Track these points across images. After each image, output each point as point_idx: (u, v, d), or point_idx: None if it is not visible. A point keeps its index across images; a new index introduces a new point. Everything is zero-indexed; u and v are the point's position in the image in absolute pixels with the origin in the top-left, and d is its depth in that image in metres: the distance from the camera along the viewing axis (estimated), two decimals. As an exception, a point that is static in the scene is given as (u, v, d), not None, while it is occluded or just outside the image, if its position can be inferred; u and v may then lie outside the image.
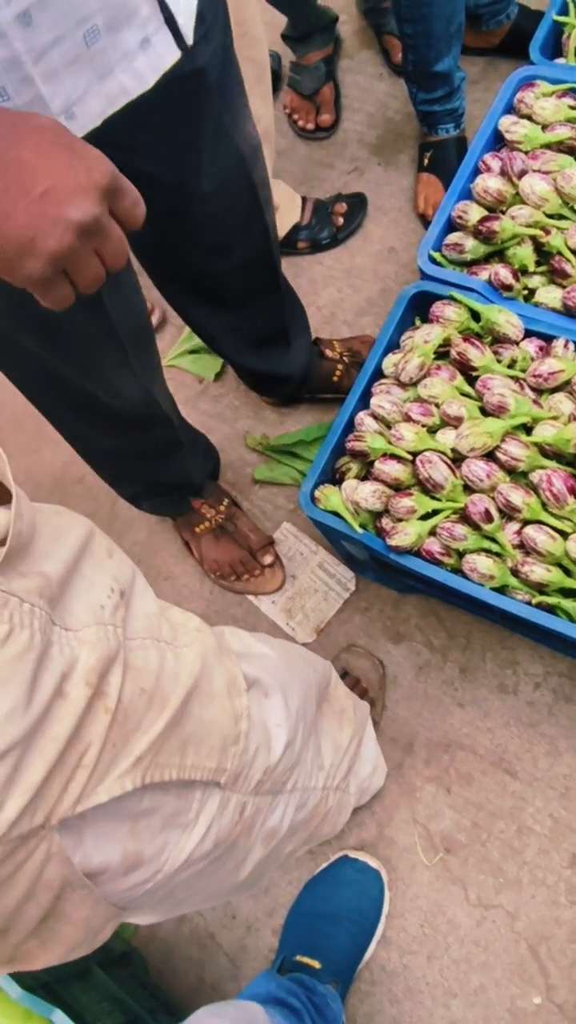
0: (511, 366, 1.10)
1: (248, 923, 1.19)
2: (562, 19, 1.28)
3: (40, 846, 0.49)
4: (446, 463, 1.03)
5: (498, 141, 1.24)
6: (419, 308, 1.19)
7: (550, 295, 1.13)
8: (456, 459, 1.04)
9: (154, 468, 1.24)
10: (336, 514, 1.11)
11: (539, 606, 1.00)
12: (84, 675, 0.50)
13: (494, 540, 1.01)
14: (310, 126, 1.78)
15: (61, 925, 0.54)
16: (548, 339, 1.10)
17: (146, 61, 0.69)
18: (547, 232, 1.12)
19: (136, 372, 0.97)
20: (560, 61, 1.30)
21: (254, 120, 0.97)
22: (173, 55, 0.72)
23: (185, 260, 1.05)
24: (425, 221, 1.58)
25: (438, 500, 1.04)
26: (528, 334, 1.12)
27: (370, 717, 1.16)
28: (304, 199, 1.66)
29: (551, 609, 1.00)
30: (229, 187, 0.95)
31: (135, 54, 0.67)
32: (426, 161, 1.59)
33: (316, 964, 1.07)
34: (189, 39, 0.72)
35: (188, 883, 0.64)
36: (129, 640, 0.56)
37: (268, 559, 1.39)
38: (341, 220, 1.65)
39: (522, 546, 1.01)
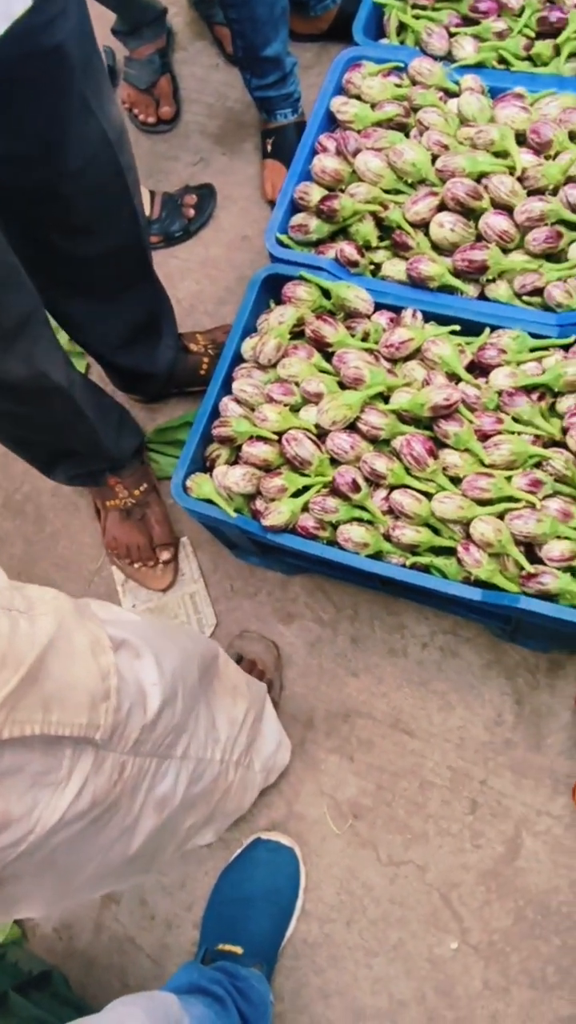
0: (364, 339, 1.13)
1: (167, 921, 1.18)
2: (381, 0, 1.32)
3: None
4: (311, 439, 1.05)
5: (332, 122, 1.27)
6: (272, 291, 1.20)
7: (395, 268, 1.16)
8: (320, 434, 1.07)
9: (59, 437, 1.22)
10: (210, 501, 1.11)
11: (413, 567, 1.03)
12: None
13: (364, 509, 1.04)
14: (151, 119, 1.76)
15: None
16: (397, 310, 1.14)
17: None
18: (386, 207, 1.15)
19: (13, 349, 0.95)
20: (384, 41, 1.34)
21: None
22: (23, 3, 0.72)
23: (54, 245, 1.05)
24: (274, 206, 1.59)
25: (307, 476, 1.06)
26: (378, 307, 1.15)
27: (268, 697, 1.17)
28: (152, 193, 1.65)
29: (425, 569, 1.03)
30: (96, 167, 0.97)
31: None
32: (269, 147, 1.61)
33: (238, 950, 1.08)
34: None
35: (69, 849, 0.64)
36: None
37: (165, 555, 1.39)
38: (192, 212, 1.65)
39: (391, 511, 1.04)
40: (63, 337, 1.55)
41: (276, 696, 1.25)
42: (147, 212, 1.63)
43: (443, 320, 1.11)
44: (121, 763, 0.68)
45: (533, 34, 1.24)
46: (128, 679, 0.69)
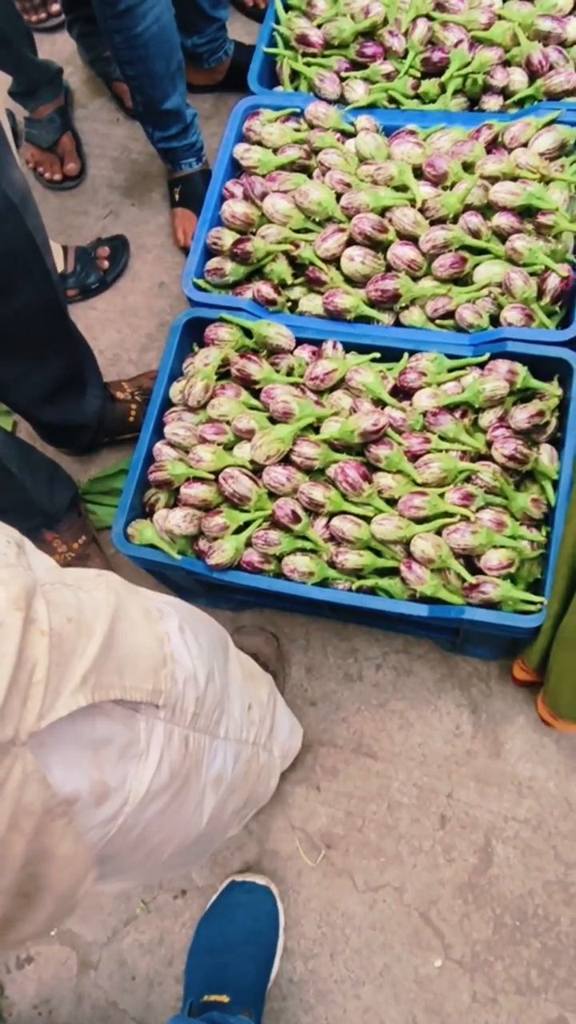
0: (289, 374, 1.15)
1: (149, 979, 1.15)
2: (271, 51, 1.38)
3: (16, 765, 0.51)
4: (247, 475, 1.06)
5: (236, 168, 1.31)
6: (194, 334, 1.22)
7: (312, 303, 1.20)
8: (256, 470, 1.08)
9: None
10: (153, 546, 1.11)
11: (359, 590, 1.05)
12: (12, 603, 0.52)
13: (306, 538, 1.06)
14: (57, 177, 1.78)
15: (46, 867, 0.55)
16: (318, 343, 1.17)
17: None
18: (297, 246, 1.19)
19: None
20: (279, 89, 1.39)
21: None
22: None
23: None
24: (187, 252, 1.63)
25: (247, 512, 1.07)
26: (299, 342, 1.18)
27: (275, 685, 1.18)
28: (65, 248, 1.66)
29: (372, 591, 1.05)
30: (3, 232, 0.99)
31: None
32: (177, 196, 1.64)
33: (224, 999, 1.06)
34: None
35: (157, 822, 0.68)
36: (40, 585, 0.59)
37: None
38: (106, 264, 1.66)
39: (333, 538, 1.06)
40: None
41: (281, 686, 1.25)
42: (61, 267, 1.64)
43: (363, 349, 1.15)
44: (185, 737, 0.72)
45: (419, 74, 1.31)
46: (178, 654, 0.72)
